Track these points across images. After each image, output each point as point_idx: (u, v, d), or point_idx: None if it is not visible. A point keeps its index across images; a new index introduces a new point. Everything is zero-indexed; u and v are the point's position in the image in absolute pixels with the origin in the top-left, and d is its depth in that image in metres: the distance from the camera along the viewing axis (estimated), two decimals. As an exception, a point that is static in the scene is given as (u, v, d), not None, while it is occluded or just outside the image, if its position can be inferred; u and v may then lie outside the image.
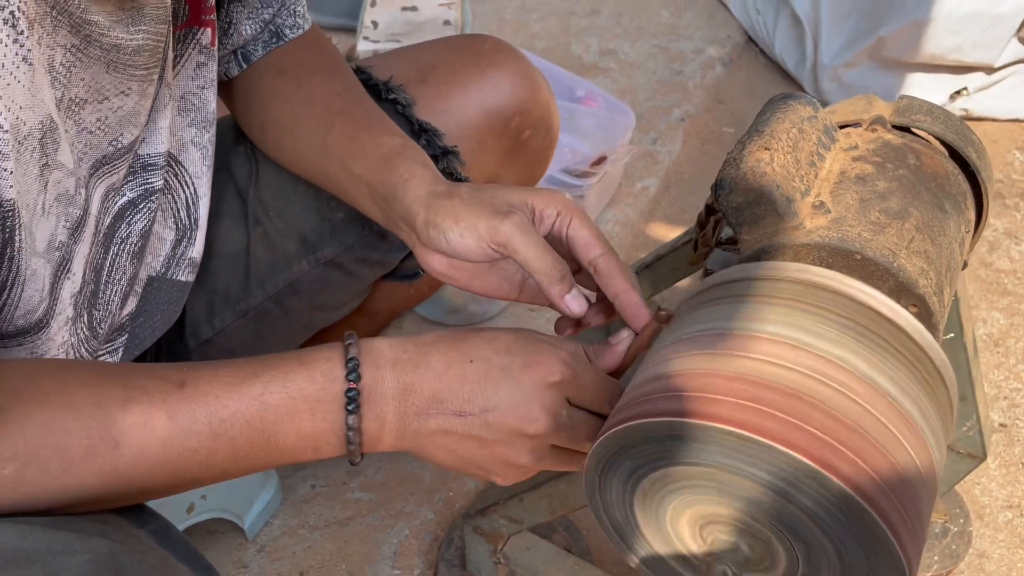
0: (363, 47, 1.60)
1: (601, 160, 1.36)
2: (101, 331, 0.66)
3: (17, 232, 0.50)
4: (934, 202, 0.61)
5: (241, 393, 0.51)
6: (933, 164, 0.64)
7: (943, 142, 0.66)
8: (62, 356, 0.60)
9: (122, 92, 0.58)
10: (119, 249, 0.65)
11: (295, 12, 0.78)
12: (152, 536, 0.52)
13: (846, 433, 0.45)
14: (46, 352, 0.58)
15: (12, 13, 0.46)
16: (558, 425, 0.55)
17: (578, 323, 0.64)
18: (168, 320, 0.75)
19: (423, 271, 0.91)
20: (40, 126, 0.50)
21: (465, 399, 0.54)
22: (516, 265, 0.64)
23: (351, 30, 1.74)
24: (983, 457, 1.01)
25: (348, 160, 0.69)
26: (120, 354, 0.71)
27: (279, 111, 0.76)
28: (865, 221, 0.58)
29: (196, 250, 0.74)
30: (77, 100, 0.55)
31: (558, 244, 0.62)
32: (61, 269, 0.57)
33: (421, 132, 0.79)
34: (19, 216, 0.50)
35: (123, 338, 0.71)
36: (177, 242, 0.73)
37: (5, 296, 0.52)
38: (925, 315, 0.56)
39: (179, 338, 0.83)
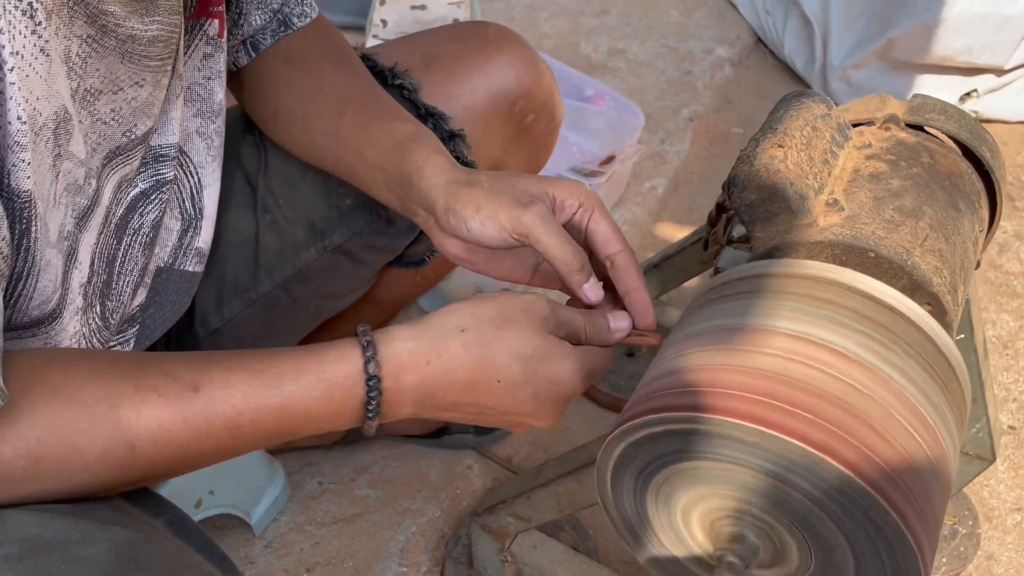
0: (372, 46, 1.60)
1: (610, 159, 1.36)
2: (113, 322, 0.66)
3: (34, 223, 0.50)
4: (948, 201, 0.61)
5: (257, 405, 0.52)
6: (947, 163, 0.63)
7: (957, 141, 0.66)
8: (74, 346, 0.61)
9: (136, 83, 0.58)
10: (132, 240, 0.66)
11: (303, 1, 0.79)
12: (168, 526, 0.52)
13: (862, 429, 0.45)
14: (59, 343, 0.58)
15: (30, 4, 0.46)
16: (562, 415, 0.59)
17: (588, 307, 0.65)
18: (178, 311, 0.75)
19: (428, 259, 0.92)
20: (55, 117, 0.50)
21: (487, 407, 0.57)
22: (530, 251, 0.66)
23: (360, 28, 1.74)
24: (992, 459, 1.01)
25: (361, 147, 0.70)
26: (131, 345, 0.72)
27: (289, 99, 0.76)
28: (879, 219, 0.58)
29: (203, 240, 0.74)
30: (92, 91, 0.55)
31: (575, 233, 0.63)
32: (70, 259, 0.57)
33: (428, 116, 0.80)
34: (35, 207, 0.50)
35: (134, 329, 0.71)
36: (183, 232, 0.73)
37: (21, 287, 0.52)
38: (939, 313, 0.56)
39: (188, 328, 0.83)
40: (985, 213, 0.66)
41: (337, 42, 0.80)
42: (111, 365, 0.52)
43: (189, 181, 0.73)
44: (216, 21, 0.69)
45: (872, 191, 0.60)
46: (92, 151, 0.57)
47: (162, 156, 0.66)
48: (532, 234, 0.59)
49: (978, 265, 0.68)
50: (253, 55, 0.78)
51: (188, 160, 0.72)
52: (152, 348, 0.78)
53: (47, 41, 0.48)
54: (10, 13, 0.45)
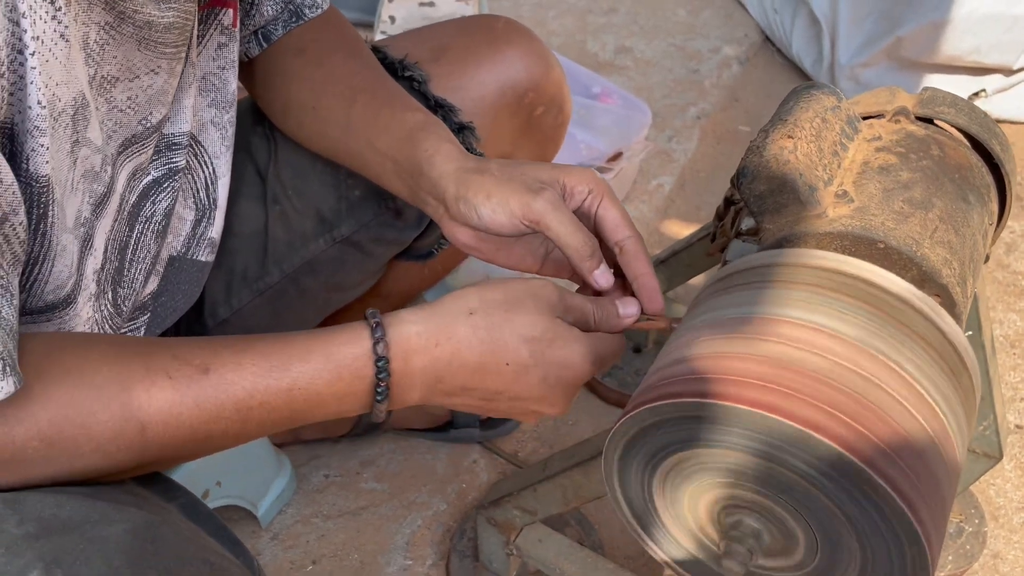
0: (379, 40, 1.61)
1: (617, 156, 1.36)
2: (125, 309, 0.66)
3: (50, 208, 0.50)
4: (958, 193, 0.61)
5: (267, 386, 0.52)
6: (957, 156, 0.63)
7: (967, 134, 0.66)
8: (87, 332, 0.61)
9: (152, 70, 0.58)
10: (144, 228, 0.66)
11: None
12: (181, 510, 0.52)
13: (866, 414, 0.45)
14: (73, 328, 0.59)
15: None
16: (571, 402, 0.59)
17: (597, 294, 0.65)
18: (189, 300, 0.76)
19: (436, 251, 0.92)
20: (73, 103, 0.50)
21: (495, 391, 0.57)
22: (540, 239, 0.66)
23: (368, 25, 1.75)
24: (999, 457, 1.00)
25: (372, 136, 0.70)
26: (142, 332, 0.72)
27: (300, 90, 0.76)
28: (888, 210, 0.58)
29: (215, 230, 0.75)
30: (109, 78, 0.55)
31: (585, 220, 0.63)
32: (85, 245, 0.57)
33: (437, 108, 0.80)
34: (53, 192, 0.50)
35: (145, 317, 0.71)
36: (197, 222, 0.74)
37: (37, 271, 0.53)
38: (948, 304, 0.56)
39: (197, 318, 0.83)
40: (995, 206, 0.66)
41: (348, 34, 0.81)
42: (123, 348, 0.52)
43: (204, 171, 0.73)
44: (231, 10, 0.69)
45: (882, 183, 0.60)
46: (108, 138, 0.57)
47: (175, 144, 0.67)
48: (543, 220, 0.59)
49: (987, 259, 0.68)
50: (264, 46, 0.79)
51: (203, 150, 0.73)
52: (162, 336, 0.79)
53: (67, 27, 0.48)
54: None
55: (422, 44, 0.86)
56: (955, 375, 0.52)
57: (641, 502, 0.54)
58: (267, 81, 0.80)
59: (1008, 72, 1.64)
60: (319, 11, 0.79)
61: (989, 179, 0.65)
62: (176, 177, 0.67)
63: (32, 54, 0.46)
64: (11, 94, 0.46)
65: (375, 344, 0.54)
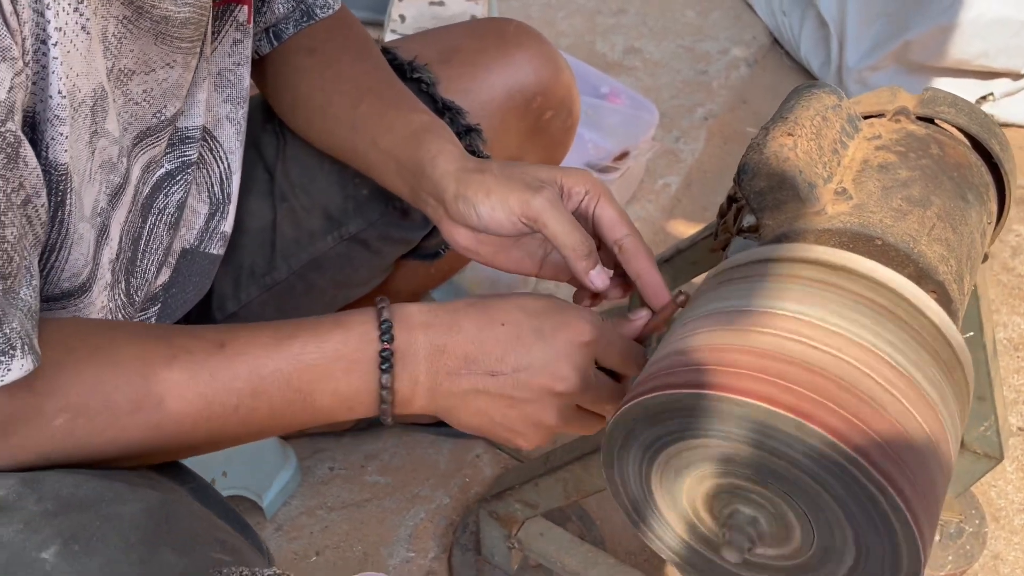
0: (390, 40, 1.62)
1: (624, 155, 1.37)
2: (137, 299, 0.68)
3: (68, 196, 0.52)
4: (956, 191, 0.62)
5: (279, 353, 0.53)
6: (956, 155, 0.64)
7: (967, 134, 0.66)
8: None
9: (167, 64, 0.60)
10: (156, 219, 0.67)
11: None
12: (192, 494, 0.54)
13: (858, 405, 0.46)
14: (88, 316, 0.60)
15: None
16: (586, 384, 0.56)
17: (595, 296, 0.65)
18: (199, 292, 0.77)
19: (443, 251, 0.93)
20: (92, 94, 0.52)
21: (497, 359, 0.56)
22: (538, 242, 0.66)
23: (378, 24, 1.76)
24: (1000, 458, 1.01)
25: (376, 136, 0.71)
26: (153, 323, 0.73)
27: (309, 89, 0.77)
28: (887, 208, 0.59)
29: (228, 224, 0.76)
30: (126, 71, 0.56)
31: (583, 222, 0.63)
32: (101, 234, 0.59)
33: (445, 110, 0.81)
34: (71, 180, 0.51)
35: (156, 307, 0.73)
36: (210, 216, 0.75)
37: (53, 258, 0.54)
38: (945, 301, 0.57)
39: (206, 311, 0.84)
40: (994, 206, 0.66)
41: (358, 34, 0.81)
42: (147, 330, 0.54)
43: (219, 166, 0.74)
44: (245, 7, 0.71)
45: (881, 181, 0.60)
46: (124, 130, 0.59)
47: (188, 138, 0.68)
48: (541, 218, 0.60)
49: (986, 258, 0.69)
50: (275, 44, 0.80)
51: (218, 145, 0.74)
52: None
53: (88, 19, 0.49)
54: None
55: (432, 46, 0.86)
56: (950, 371, 0.52)
57: (639, 493, 0.55)
58: (277, 79, 0.81)
59: (1016, 76, 1.64)
60: (330, 11, 0.80)
61: (988, 178, 0.65)
62: (189, 170, 0.69)
63: (55, 44, 0.47)
64: (34, 83, 0.47)
65: (380, 311, 0.55)
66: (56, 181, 0.50)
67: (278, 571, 0.46)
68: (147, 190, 0.65)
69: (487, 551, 0.97)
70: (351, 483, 1.08)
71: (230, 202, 0.75)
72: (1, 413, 0.47)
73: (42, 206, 0.49)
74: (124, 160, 0.59)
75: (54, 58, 0.47)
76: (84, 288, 0.58)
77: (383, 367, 0.55)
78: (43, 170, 0.49)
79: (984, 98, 1.67)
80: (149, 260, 0.68)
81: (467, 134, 0.82)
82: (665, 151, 1.55)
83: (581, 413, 0.58)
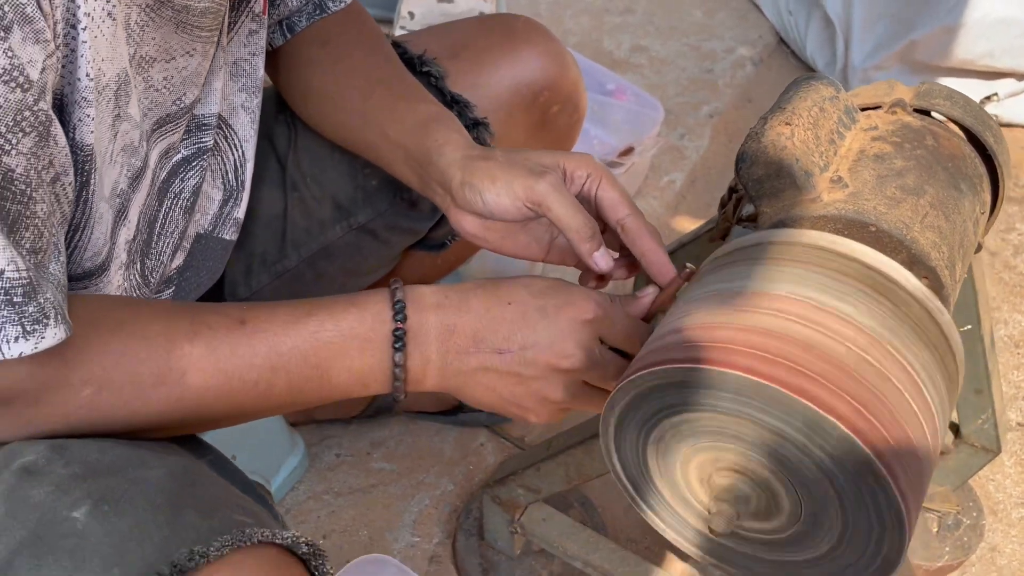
0: (400, 35, 1.64)
1: (628, 151, 1.38)
2: (152, 280, 0.70)
3: (92, 176, 0.54)
4: (950, 181, 0.63)
5: (297, 331, 0.55)
6: (950, 146, 0.66)
7: (962, 126, 0.68)
8: None
9: (187, 52, 0.62)
10: (172, 203, 0.69)
11: None
12: (210, 466, 0.55)
13: (853, 385, 0.48)
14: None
15: None
16: (591, 361, 0.58)
17: (601, 278, 0.66)
18: (212, 277, 0.79)
19: (449, 242, 0.95)
20: (116, 79, 0.54)
21: (504, 338, 0.57)
22: (544, 227, 0.67)
23: (388, 21, 1.78)
24: (997, 451, 1.02)
25: (386, 127, 0.73)
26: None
27: (321, 81, 0.79)
28: (881, 196, 0.60)
29: (241, 210, 0.78)
30: (147, 58, 0.58)
31: (586, 204, 0.65)
32: (120, 216, 0.61)
33: (453, 103, 0.82)
34: (95, 161, 0.53)
35: (170, 291, 0.75)
36: (224, 202, 0.77)
37: (77, 237, 0.56)
38: (936, 287, 0.58)
39: (218, 297, 0.86)
40: (987, 196, 0.68)
41: (370, 28, 0.83)
42: (169, 306, 0.56)
43: (233, 154, 0.76)
44: None
45: (876, 170, 0.62)
46: (144, 116, 0.61)
47: (204, 125, 0.70)
48: (545, 202, 0.62)
49: (980, 248, 0.70)
50: (288, 36, 0.82)
51: (233, 134, 0.76)
52: None
53: (114, 6, 0.51)
54: None
55: (441, 41, 0.88)
56: (939, 353, 0.54)
57: (636, 468, 0.57)
58: (290, 71, 0.83)
59: (1020, 77, 1.65)
60: (342, 4, 0.82)
61: (982, 169, 0.67)
62: (204, 156, 0.71)
63: (83, 29, 0.49)
64: (63, 66, 0.49)
65: (393, 291, 0.57)
66: (82, 161, 0.52)
67: (296, 534, 0.48)
68: (164, 174, 0.67)
69: (490, 536, 0.99)
70: (357, 469, 1.10)
71: (243, 189, 0.77)
72: (32, 381, 0.50)
73: (69, 184, 0.51)
74: (144, 144, 0.61)
75: (83, 42, 0.49)
76: (103, 268, 0.60)
77: (396, 346, 0.57)
78: (70, 150, 0.51)
79: (988, 98, 1.68)
80: (164, 243, 0.70)
81: (475, 127, 0.84)
82: (670, 148, 1.57)
83: (588, 389, 0.59)
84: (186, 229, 0.73)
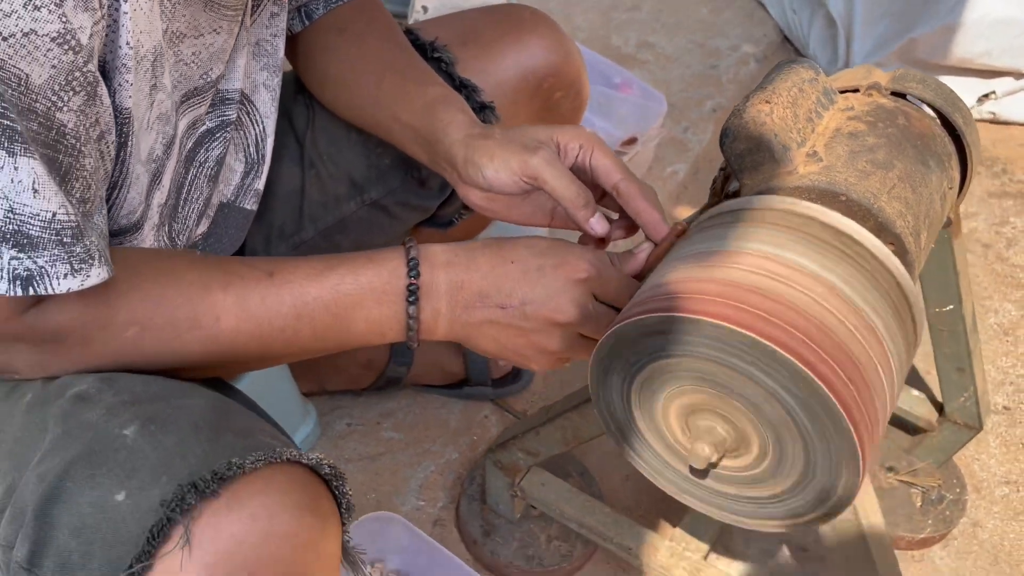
0: (412, 25, 1.69)
1: (632, 141, 1.43)
2: (179, 243, 0.75)
3: (130, 138, 0.59)
4: (918, 157, 0.68)
5: (320, 283, 0.61)
6: (921, 125, 0.70)
7: (934, 108, 0.73)
8: None
9: (214, 30, 0.67)
10: (198, 171, 0.75)
11: None
12: (242, 404, 0.61)
13: (816, 332, 0.53)
14: None
15: None
16: (584, 316, 0.63)
17: (601, 241, 0.71)
18: (233, 244, 0.84)
19: (457, 220, 1.00)
20: (153, 51, 0.59)
21: (506, 294, 0.63)
22: (546, 196, 0.73)
23: (402, 16, 1.83)
24: (979, 428, 1.06)
25: (397, 109, 0.78)
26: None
27: (337, 66, 0.85)
28: (852, 169, 0.65)
29: (261, 182, 0.84)
30: (178, 33, 0.64)
31: (582, 173, 0.70)
32: (155, 179, 0.66)
33: (462, 88, 0.87)
34: (132, 124, 0.59)
35: None
36: (246, 174, 0.82)
37: (115, 195, 0.62)
38: (901, 252, 0.63)
39: None
40: (956, 173, 0.72)
41: (384, 16, 0.89)
42: (204, 258, 0.62)
43: (255, 129, 0.82)
44: None
45: (849, 146, 0.67)
46: (174, 87, 0.66)
47: (228, 99, 0.75)
48: (540, 175, 0.67)
49: (949, 222, 0.75)
50: (306, 23, 0.87)
51: (255, 110, 0.81)
52: None
53: None
54: None
55: (452, 29, 0.93)
56: (899, 312, 0.59)
57: (623, 414, 0.62)
58: (308, 56, 0.88)
59: (1018, 76, 1.68)
60: None
61: (951, 148, 0.72)
62: (227, 129, 0.76)
63: (125, 1, 0.55)
64: (106, 34, 0.55)
65: (408, 249, 0.63)
66: (121, 123, 0.58)
67: (320, 456, 0.53)
68: (190, 144, 0.73)
69: (492, 500, 1.04)
70: (367, 438, 1.15)
71: (264, 162, 0.83)
72: (82, 321, 0.56)
73: (112, 143, 0.56)
74: (174, 114, 0.67)
75: (124, 13, 0.55)
76: (137, 226, 0.66)
77: (410, 299, 0.62)
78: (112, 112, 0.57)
79: (986, 96, 1.72)
80: (190, 208, 0.76)
81: (482, 111, 0.89)
82: (674, 140, 1.62)
83: (583, 341, 0.65)
84: (210, 197, 0.78)
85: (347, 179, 0.92)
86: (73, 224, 0.52)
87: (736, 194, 0.75)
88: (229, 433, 0.52)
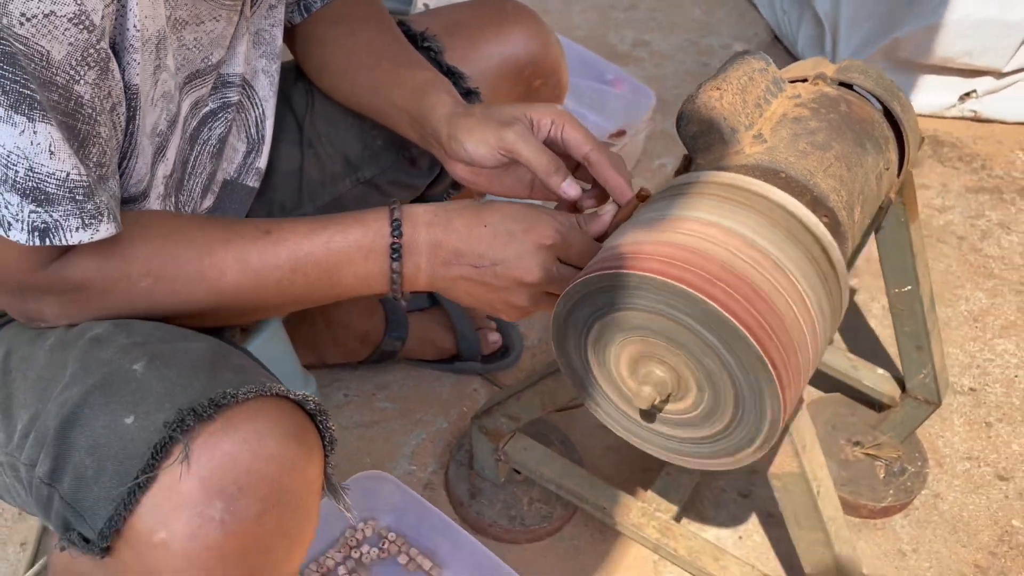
0: (404, 17, 1.77)
1: (620, 133, 1.50)
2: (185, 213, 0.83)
3: (138, 112, 0.67)
4: (856, 140, 0.75)
5: (312, 241, 0.69)
6: (861, 112, 0.77)
7: (875, 96, 0.80)
8: None
9: (214, 18, 0.75)
10: (201, 148, 0.82)
11: None
12: (240, 352, 0.69)
13: (746, 290, 0.60)
14: None
15: None
16: (549, 277, 0.70)
17: (574, 207, 0.78)
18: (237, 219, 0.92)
19: (446, 198, 1.07)
20: (157, 34, 0.67)
21: (479, 255, 0.70)
22: (526, 169, 0.80)
23: (405, 15, 1.91)
24: (937, 403, 1.13)
25: (390, 93, 0.86)
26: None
27: (334, 56, 0.92)
28: (793, 149, 0.72)
29: (262, 161, 0.91)
30: (180, 20, 0.71)
31: (555, 146, 0.77)
32: (159, 152, 0.74)
33: (449, 74, 0.95)
34: (139, 100, 0.66)
35: None
36: (247, 153, 0.90)
37: (124, 164, 0.70)
38: (834, 224, 0.70)
39: None
40: (893, 156, 0.79)
41: (377, 8, 0.96)
42: (208, 219, 0.70)
43: (255, 111, 0.89)
44: None
45: (792, 129, 0.74)
46: (177, 70, 0.74)
47: (229, 83, 0.83)
48: (514, 148, 0.74)
49: (890, 203, 0.82)
50: (305, 15, 0.95)
51: (255, 93, 0.89)
52: None
53: None
54: None
55: (440, 20, 1.01)
56: (823, 275, 0.66)
57: (580, 365, 0.69)
58: (307, 46, 0.96)
59: (998, 75, 1.74)
60: None
61: (889, 133, 0.79)
62: (229, 110, 0.84)
63: None
64: (116, 19, 0.62)
65: (392, 211, 0.70)
66: (130, 98, 0.66)
67: (306, 394, 0.60)
68: (194, 123, 0.81)
69: (479, 465, 1.11)
70: (363, 408, 1.22)
71: (264, 142, 0.91)
72: (100, 273, 0.64)
73: (122, 114, 0.64)
74: (177, 94, 0.75)
75: None
76: (144, 195, 0.73)
77: (393, 256, 0.70)
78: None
79: (967, 95, 1.78)
80: (195, 182, 0.83)
81: (467, 96, 0.97)
82: (663, 134, 1.69)
83: (548, 297, 0.72)
84: (214, 173, 0.86)
85: (343, 158, 1.00)
86: (85, 184, 0.60)
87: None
88: (226, 370, 0.60)
